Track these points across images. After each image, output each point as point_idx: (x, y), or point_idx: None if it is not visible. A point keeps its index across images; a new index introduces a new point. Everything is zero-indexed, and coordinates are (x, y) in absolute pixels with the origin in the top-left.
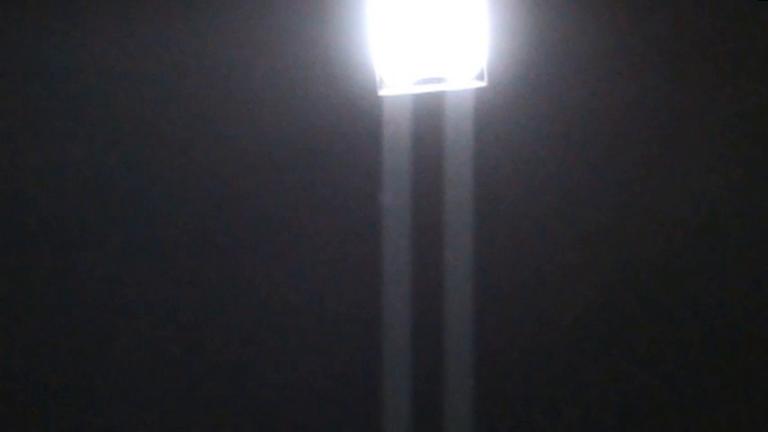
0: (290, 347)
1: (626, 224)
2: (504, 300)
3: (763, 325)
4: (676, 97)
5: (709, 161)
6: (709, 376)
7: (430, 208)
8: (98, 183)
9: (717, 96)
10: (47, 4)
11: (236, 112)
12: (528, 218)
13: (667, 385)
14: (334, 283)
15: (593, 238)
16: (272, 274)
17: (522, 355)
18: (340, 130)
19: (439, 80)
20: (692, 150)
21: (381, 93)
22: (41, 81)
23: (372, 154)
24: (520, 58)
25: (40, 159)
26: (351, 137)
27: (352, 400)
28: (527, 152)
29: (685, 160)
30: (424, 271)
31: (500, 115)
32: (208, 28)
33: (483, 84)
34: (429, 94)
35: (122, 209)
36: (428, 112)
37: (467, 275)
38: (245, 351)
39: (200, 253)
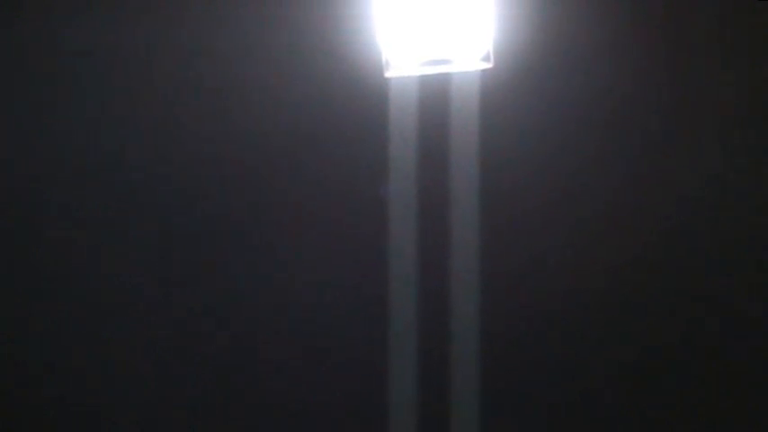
0: (295, 330)
1: (631, 205)
2: (510, 279)
3: (766, 312)
4: (680, 80)
5: (710, 142)
6: (709, 362)
7: (436, 189)
8: (104, 171)
9: (716, 77)
10: None
11: (242, 95)
12: (533, 198)
13: (668, 373)
14: (341, 264)
15: (598, 219)
16: (279, 254)
17: (528, 339)
18: (347, 111)
19: (445, 62)
20: (695, 131)
21: (388, 74)
22: (51, 67)
23: (379, 135)
24: (525, 39)
25: (42, 149)
26: (357, 118)
27: (359, 389)
28: (532, 133)
29: (689, 142)
30: (430, 251)
31: (506, 97)
32: (215, 12)
33: (489, 65)
34: (435, 75)
35: (129, 195)
36: (434, 94)
37: (473, 255)
38: (251, 334)
39: (207, 236)
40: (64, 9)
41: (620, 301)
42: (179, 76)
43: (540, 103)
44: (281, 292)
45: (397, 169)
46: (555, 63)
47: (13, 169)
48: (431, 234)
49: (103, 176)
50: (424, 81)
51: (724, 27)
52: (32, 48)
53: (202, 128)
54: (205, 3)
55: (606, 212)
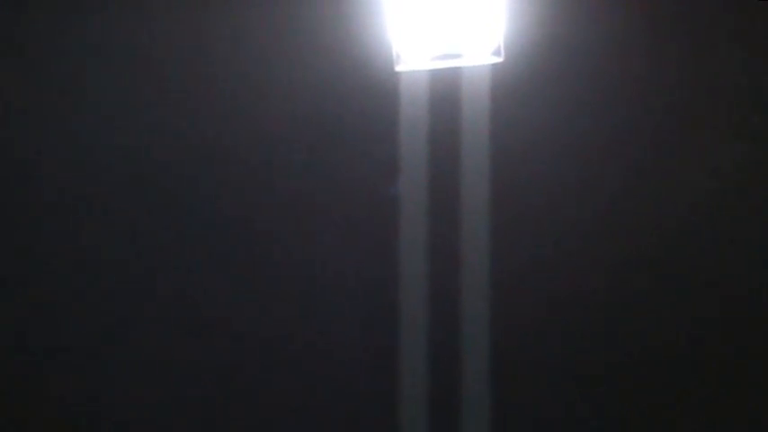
0: (304, 327)
1: (643, 201)
2: (520, 273)
3: None
4: (691, 75)
5: (720, 138)
6: (715, 351)
7: (446, 183)
8: (109, 170)
9: (726, 72)
10: None
11: (253, 89)
12: (544, 192)
13: (683, 371)
14: (352, 257)
15: (609, 212)
16: (291, 246)
17: (539, 334)
18: (357, 105)
19: (456, 56)
20: (706, 127)
21: (398, 68)
22: (58, 65)
23: (389, 130)
24: (536, 33)
25: (47, 147)
26: (368, 113)
27: (368, 387)
28: (543, 127)
29: (700, 138)
30: (440, 245)
31: (516, 91)
32: (224, 9)
33: (499, 59)
34: (446, 69)
35: (137, 191)
36: (445, 88)
37: (483, 248)
38: (260, 330)
39: (215, 233)
40: (71, 7)
41: (632, 298)
42: (185, 71)
43: (551, 97)
44: (289, 287)
45: (407, 163)
46: (565, 57)
47: (13, 167)
48: (441, 228)
49: (105, 175)
50: (435, 75)
51: (734, 25)
52: (38, 46)
53: (212, 124)
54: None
55: (617, 207)
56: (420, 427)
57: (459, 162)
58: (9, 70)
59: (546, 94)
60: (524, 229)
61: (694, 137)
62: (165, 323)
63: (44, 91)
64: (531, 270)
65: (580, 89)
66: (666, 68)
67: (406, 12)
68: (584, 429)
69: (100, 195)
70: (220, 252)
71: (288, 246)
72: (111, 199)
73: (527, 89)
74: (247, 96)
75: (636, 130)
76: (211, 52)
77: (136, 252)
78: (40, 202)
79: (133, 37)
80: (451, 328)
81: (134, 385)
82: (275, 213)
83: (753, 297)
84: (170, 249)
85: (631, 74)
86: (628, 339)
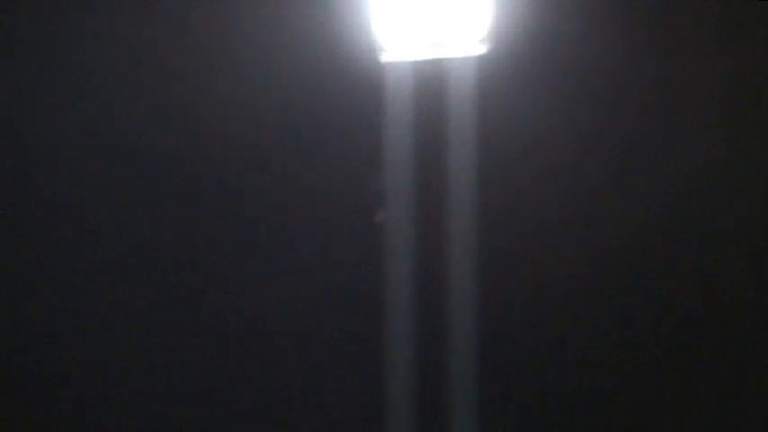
0: (290, 309)
1: (623, 187)
2: (506, 262)
3: (761, 279)
4: (674, 66)
5: (700, 122)
6: (696, 337)
7: (432, 173)
8: (97, 168)
9: (705, 58)
10: None
11: (238, 79)
12: (528, 180)
13: (656, 347)
14: (337, 246)
15: (593, 199)
16: (276, 236)
17: (524, 320)
18: (342, 96)
19: (441, 46)
20: (687, 117)
21: (383, 59)
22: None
23: (374, 120)
24: (521, 25)
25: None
26: (353, 103)
27: (356, 384)
28: (527, 117)
29: (678, 123)
30: (427, 234)
31: (501, 81)
32: (212, 2)
33: (484, 50)
34: (431, 60)
35: (123, 187)
36: (430, 79)
37: (469, 237)
38: (250, 313)
39: (204, 220)
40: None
41: (614, 284)
42: (168, 66)
43: (535, 87)
44: (275, 278)
45: (393, 153)
46: (550, 48)
47: (10, 165)
48: (428, 215)
49: (99, 169)
50: (420, 66)
51: (715, 21)
52: (38, 39)
53: (197, 112)
54: None
55: (600, 195)
56: (408, 418)
57: (445, 151)
58: (8, 63)
59: (530, 85)
60: (509, 218)
61: (676, 129)
62: (156, 311)
63: (40, 85)
64: (516, 259)
65: (564, 80)
66: (649, 62)
67: (391, 3)
68: (569, 413)
69: (94, 190)
70: (204, 242)
71: (273, 235)
72: (103, 189)
73: (512, 79)
74: (231, 88)
75: (619, 120)
76: (197, 46)
77: (127, 244)
78: (25, 200)
79: (126, 35)
80: (438, 318)
81: (124, 390)
82: (260, 203)
83: (731, 286)
84: (151, 239)
85: (615, 66)
86: (610, 325)
